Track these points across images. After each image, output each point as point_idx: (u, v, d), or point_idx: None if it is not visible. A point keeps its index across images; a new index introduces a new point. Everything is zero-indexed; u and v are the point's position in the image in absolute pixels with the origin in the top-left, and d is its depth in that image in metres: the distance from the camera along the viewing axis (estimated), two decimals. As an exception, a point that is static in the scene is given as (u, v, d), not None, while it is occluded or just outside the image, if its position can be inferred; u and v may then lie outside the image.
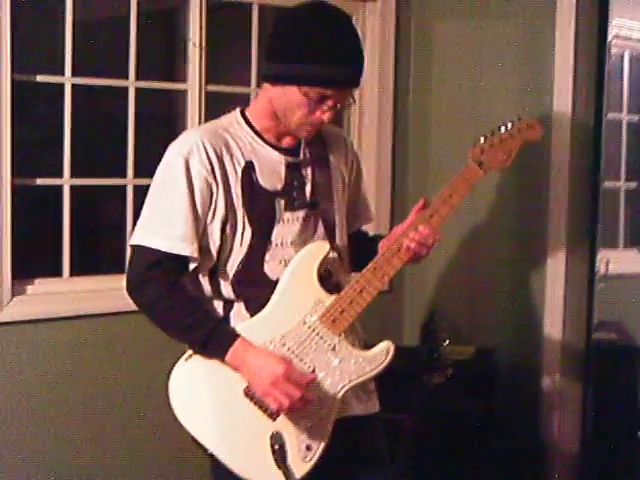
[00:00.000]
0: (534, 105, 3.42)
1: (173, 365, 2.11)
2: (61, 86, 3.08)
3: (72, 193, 3.14)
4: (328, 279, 2.14)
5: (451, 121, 3.69)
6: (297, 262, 2.11)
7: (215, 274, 2.13)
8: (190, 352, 2.10)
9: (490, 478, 3.16)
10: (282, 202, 2.13)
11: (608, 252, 3.39)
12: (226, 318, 2.12)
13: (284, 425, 2.05)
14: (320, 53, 2.02)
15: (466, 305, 3.65)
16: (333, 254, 2.16)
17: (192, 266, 2.09)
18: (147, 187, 2.16)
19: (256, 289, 2.11)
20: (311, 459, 2.06)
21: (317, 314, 2.08)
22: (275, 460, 2.03)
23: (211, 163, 2.06)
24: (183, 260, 2.08)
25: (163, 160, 2.11)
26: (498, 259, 3.57)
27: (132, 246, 2.11)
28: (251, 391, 2.06)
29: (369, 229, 2.44)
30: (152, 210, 2.10)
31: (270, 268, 2.11)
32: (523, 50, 3.51)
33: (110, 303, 3.08)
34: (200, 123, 3.23)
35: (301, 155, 2.18)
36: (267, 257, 2.11)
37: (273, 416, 2.06)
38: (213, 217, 2.08)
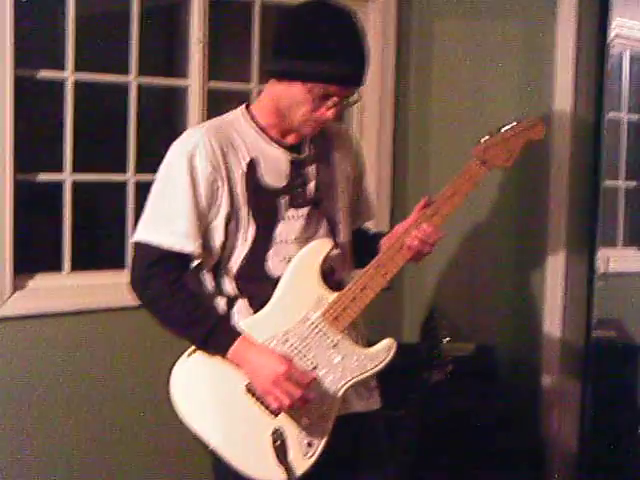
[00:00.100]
0: (534, 104, 3.43)
1: (174, 361, 2.12)
2: (63, 82, 3.08)
3: (73, 188, 3.14)
4: (331, 276, 2.15)
5: (451, 120, 3.69)
6: (300, 259, 2.11)
7: (218, 271, 2.14)
8: (193, 348, 2.10)
9: (489, 475, 3.17)
10: (286, 199, 2.13)
11: (608, 250, 3.40)
12: (229, 315, 2.13)
13: (285, 422, 2.06)
14: (325, 50, 2.03)
15: (466, 302, 3.66)
16: (336, 251, 2.17)
17: (195, 263, 2.10)
18: (148, 183, 2.16)
19: (259, 286, 2.11)
20: (312, 456, 2.07)
21: (320, 311, 2.09)
22: (276, 456, 2.04)
23: (216, 159, 2.07)
24: (186, 257, 2.08)
25: (166, 157, 2.12)
26: (498, 257, 3.58)
27: (135, 243, 2.11)
28: (253, 387, 2.06)
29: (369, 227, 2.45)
30: (155, 207, 2.11)
31: (273, 265, 2.12)
32: (524, 49, 3.51)
33: (111, 298, 3.08)
34: (202, 119, 3.23)
35: (305, 152, 2.18)
36: (270, 254, 2.12)
37: (274, 413, 2.06)
38: (217, 213, 2.08)
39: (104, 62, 3.28)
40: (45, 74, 3.07)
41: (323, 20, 2.06)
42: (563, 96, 3.37)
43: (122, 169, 3.24)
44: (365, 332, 2.23)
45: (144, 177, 3.13)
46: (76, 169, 3.14)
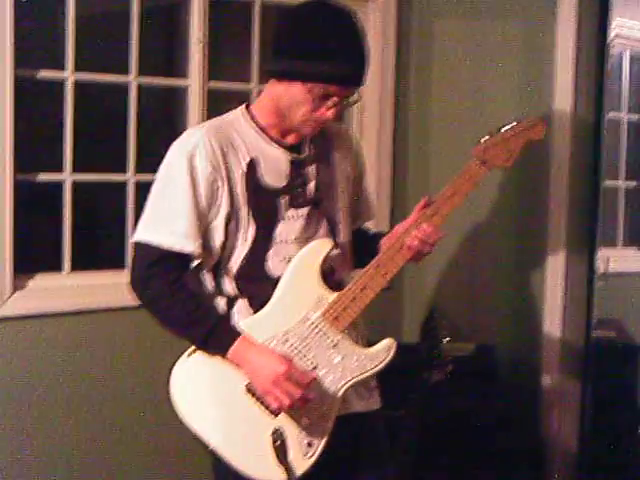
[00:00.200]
0: (534, 104, 3.43)
1: (174, 361, 2.12)
2: (63, 82, 3.08)
3: (73, 188, 3.14)
4: (331, 276, 2.15)
5: (451, 120, 3.69)
6: (300, 259, 2.11)
7: (218, 271, 2.14)
8: (193, 348, 2.10)
9: (489, 475, 3.17)
10: (286, 199, 2.13)
11: (608, 250, 3.40)
12: (229, 315, 2.13)
13: (285, 422, 2.06)
14: (325, 50, 2.03)
15: (466, 302, 3.66)
16: (336, 251, 2.17)
17: (195, 263, 2.10)
18: (148, 183, 2.16)
19: (259, 286, 2.11)
20: (312, 456, 2.07)
21: (320, 311, 2.09)
22: (276, 456, 2.04)
23: (216, 159, 2.07)
24: (186, 257, 2.08)
25: (166, 157, 2.12)
26: (498, 257, 3.58)
27: (135, 243, 2.11)
28: (253, 387, 2.06)
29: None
30: (155, 207, 2.11)
31: (273, 265, 2.12)
32: (524, 49, 3.51)
33: (111, 298, 3.08)
34: (202, 119, 3.23)
35: (305, 152, 2.18)
36: (270, 254, 2.12)
37: (274, 413, 2.06)
38: (217, 213, 2.08)
39: (104, 62, 3.28)
40: (45, 74, 3.07)
41: (323, 20, 2.06)
42: (563, 96, 3.37)
43: (122, 169, 3.24)
44: (365, 332, 2.23)
45: (144, 177, 3.13)
46: (76, 169, 3.14)
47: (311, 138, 2.18)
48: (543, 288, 3.43)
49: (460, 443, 3.16)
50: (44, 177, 3.11)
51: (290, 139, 2.15)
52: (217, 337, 2.06)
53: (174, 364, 2.12)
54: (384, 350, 2.12)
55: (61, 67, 3.08)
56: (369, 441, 2.23)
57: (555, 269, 3.41)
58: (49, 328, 3.04)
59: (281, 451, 2.04)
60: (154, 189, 2.12)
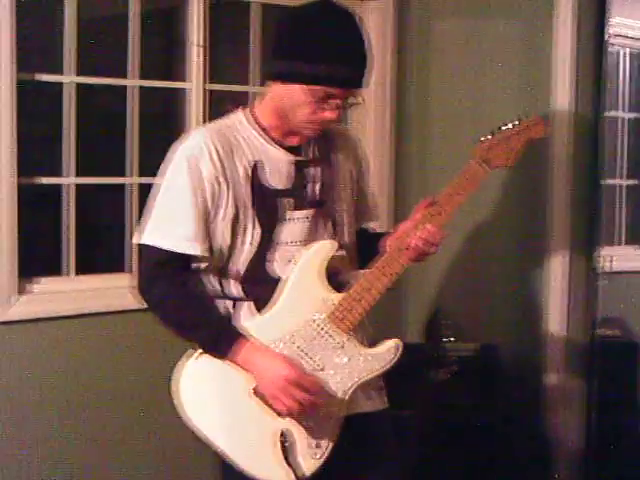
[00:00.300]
0: (534, 103, 3.43)
1: (176, 363, 2.11)
2: (63, 85, 3.08)
3: (76, 192, 3.14)
4: (335, 277, 2.15)
5: (451, 120, 3.70)
6: (305, 260, 2.11)
7: (223, 273, 2.14)
8: (199, 351, 2.10)
9: (494, 473, 3.17)
10: (289, 201, 2.13)
11: (609, 249, 3.41)
12: (235, 317, 2.13)
13: (293, 423, 2.06)
14: (325, 52, 2.02)
15: (469, 302, 3.65)
16: (340, 252, 2.17)
17: (202, 265, 2.10)
18: (150, 186, 2.16)
19: (264, 288, 2.11)
20: (321, 457, 2.07)
21: (325, 312, 2.09)
22: (284, 458, 2.04)
23: (219, 162, 2.07)
24: (191, 259, 2.08)
25: (170, 160, 2.11)
26: (500, 256, 3.58)
27: (139, 245, 2.11)
28: (259, 390, 2.06)
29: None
30: (160, 210, 2.10)
31: (278, 267, 2.12)
32: (523, 48, 3.52)
33: (114, 301, 3.08)
34: (202, 122, 3.23)
35: (308, 154, 2.18)
36: (275, 256, 2.12)
37: (281, 415, 2.07)
38: (223, 216, 2.08)
39: (105, 65, 3.28)
40: (46, 78, 3.07)
41: (324, 22, 2.06)
42: (562, 95, 3.38)
43: (124, 172, 3.24)
44: (371, 332, 2.23)
45: (145, 180, 3.13)
46: (78, 172, 3.14)
47: (313, 140, 2.18)
48: (546, 287, 3.44)
49: (464, 441, 3.17)
50: (46, 181, 3.11)
51: (292, 141, 2.15)
52: (223, 340, 2.06)
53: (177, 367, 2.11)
54: (391, 350, 2.11)
55: (62, 71, 3.08)
56: (376, 441, 2.23)
57: (557, 268, 3.41)
58: (53, 331, 3.05)
59: (289, 452, 2.04)
60: (158, 192, 2.12)
